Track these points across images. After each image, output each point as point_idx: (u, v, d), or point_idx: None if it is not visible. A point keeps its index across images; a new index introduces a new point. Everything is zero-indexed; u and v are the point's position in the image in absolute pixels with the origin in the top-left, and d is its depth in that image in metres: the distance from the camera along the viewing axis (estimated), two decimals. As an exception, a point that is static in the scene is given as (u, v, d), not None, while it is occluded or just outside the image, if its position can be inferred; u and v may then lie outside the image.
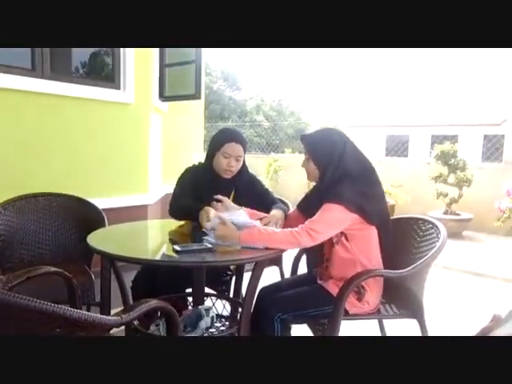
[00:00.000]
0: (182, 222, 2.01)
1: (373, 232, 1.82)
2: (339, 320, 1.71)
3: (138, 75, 3.46)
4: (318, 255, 1.92)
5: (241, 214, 1.77)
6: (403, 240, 2.04)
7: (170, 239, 1.96)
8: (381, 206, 1.85)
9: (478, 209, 6.09)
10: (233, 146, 2.00)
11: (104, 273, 2.11)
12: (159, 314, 1.78)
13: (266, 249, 1.68)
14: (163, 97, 4.14)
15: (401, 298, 1.92)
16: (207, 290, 2.17)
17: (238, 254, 1.65)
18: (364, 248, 1.80)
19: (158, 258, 1.74)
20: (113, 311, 2.03)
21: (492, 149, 10.19)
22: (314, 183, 1.97)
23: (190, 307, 2.09)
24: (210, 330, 1.84)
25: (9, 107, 2.71)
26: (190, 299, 2.13)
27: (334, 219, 1.72)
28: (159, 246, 1.98)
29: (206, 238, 1.73)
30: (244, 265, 2.13)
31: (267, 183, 7.54)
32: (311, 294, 1.84)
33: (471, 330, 0.89)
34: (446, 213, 6.10)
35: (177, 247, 1.64)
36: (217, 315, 1.99)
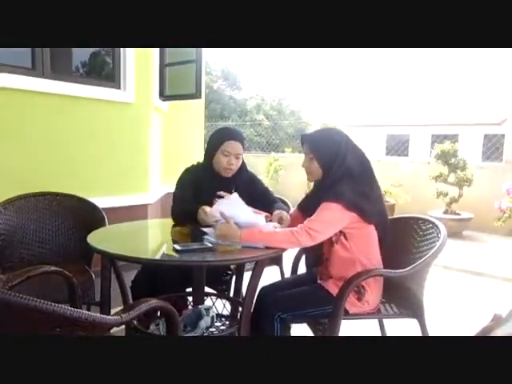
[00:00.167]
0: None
1: (372, 231, 1.82)
2: (339, 319, 1.71)
3: (139, 74, 3.46)
4: (318, 255, 1.92)
5: (245, 210, 1.77)
6: (403, 239, 2.05)
7: (170, 238, 1.96)
8: (380, 206, 1.85)
9: (478, 208, 6.09)
10: (232, 144, 2.00)
11: (104, 272, 2.11)
12: (159, 313, 1.78)
13: (267, 248, 1.68)
14: (163, 96, 4.15)
15: (401, 297, 1.92)
16: (207, 289, 2.17)
17: (239, 254, 1.65)
18: (363, 247, 1.80)
19: (158, 257, 1.74)
20: (113, 311, 2.03)
21: (492, 148, 10.18)
22: (313, 183, 1.97)
23: (190, 307, 2.09)
24: (210, 330, 1.84)
25: (8, 106, 2.71)
26: (190, 299, 2.13)
27: (332, 218, 1.72)
28: (159, 246, 1.99)
29: (206, 237, 1.73)
30: (244, 264, 2.13)
31: (267, 183, 7.53)
32: (311, 293, 1.84)
33: (471, 330, 0.89)
34: (446, 212, 6.10)
35: (177, 246, 1.64)
36: (217, 315, 2.00)
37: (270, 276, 2.19)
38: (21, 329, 0.99)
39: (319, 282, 1.89)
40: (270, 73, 41.31)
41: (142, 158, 3.55)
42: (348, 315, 1.77)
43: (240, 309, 1.94)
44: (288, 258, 2.25)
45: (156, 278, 2.07)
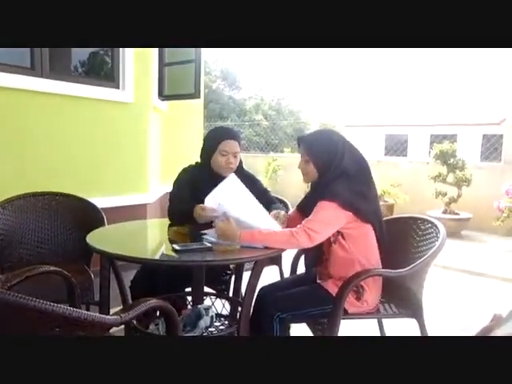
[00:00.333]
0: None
1: (369, 231, 1.83)
2: (338, 319, 1.71)
3: (138, 74, 3.46)
4: (317, 255, 1.92)
5: (245, 194, 1.77)
6: (402, 239, 2.05)
7: (169, 238, 1.96)
8: (375, 206, 1.86)
9: (477, 208, 6.10)
10: (229, 143, 2.01)
11: (103, 272, 2.11)
12: (158, 313, 1.77)
13: (266, 248, 1.68)
14: (163, 96, 4.14)
15: (400, 297, 1.92)
16: (206, 289, 2.17)
17: (238, 253, 1.65)
18: (361, 247, 1.81)
19: (157, 257, 1.74)
20: (112, 310, 2.03)
21: (491, 148, 10.18)
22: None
23: (189, 306, 2.09)
24: (210, 330, 1.84)
25: (8, 106, 2.71)
26: (190, 298, 2.13)
27: (329, 217, 1.72)
28: (159, 246, 1.98)
29: (205, 237, 1.73)
30: (243, 264, 2.13)
31: (266, 183, 7.55)
32: (310, 293, 1.84)
33: (471, 330, 0.89)
34: (444, 212, 6.11)
35: (176, 246, 1.64)
36: (216, 314, 1.99)
37: (270, 276, 2.19)
38: (20, 329, 0.99)
39: (318, 281, 1.89)
40: (269, 73, 41.37)
41: (142, 157, 3.54)
42: (347, 315, 1.77)
43: (239, 309, 1.94)
44: (287, 257, 2.25)
45: (155, 277, 2.07)
